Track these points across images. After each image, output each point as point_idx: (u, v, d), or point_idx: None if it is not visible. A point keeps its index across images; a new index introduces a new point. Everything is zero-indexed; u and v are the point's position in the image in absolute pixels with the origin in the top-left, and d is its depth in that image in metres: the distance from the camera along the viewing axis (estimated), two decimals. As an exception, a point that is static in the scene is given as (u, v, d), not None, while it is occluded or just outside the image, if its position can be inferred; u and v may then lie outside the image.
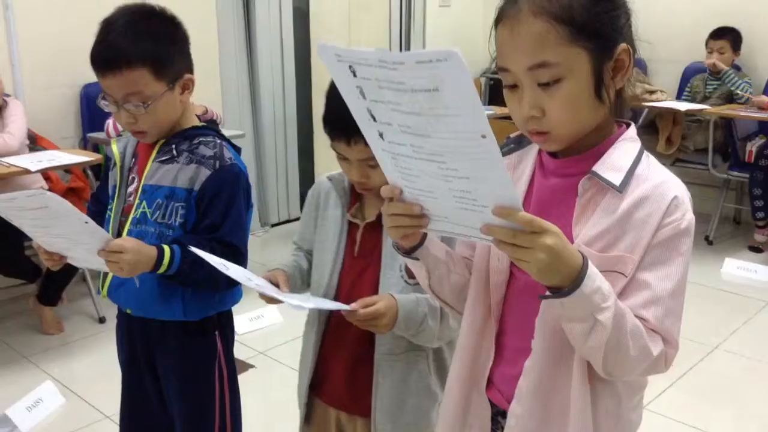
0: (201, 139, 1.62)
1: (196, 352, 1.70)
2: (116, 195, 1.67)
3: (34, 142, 3.44)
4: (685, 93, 4.86)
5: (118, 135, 3.54)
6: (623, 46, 1.00)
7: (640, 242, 0.99)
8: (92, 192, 3.73)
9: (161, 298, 1.60)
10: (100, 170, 3.79)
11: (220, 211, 1.57)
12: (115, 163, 1.69)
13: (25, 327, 3.44)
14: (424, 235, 1.08)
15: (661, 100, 4.67)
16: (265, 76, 4.72)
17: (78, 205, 3.47)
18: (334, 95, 1.38)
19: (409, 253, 1.10)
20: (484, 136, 0.79)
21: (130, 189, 1.65)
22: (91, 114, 3.83)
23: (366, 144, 1.32)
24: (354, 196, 1.51)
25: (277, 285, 1.45)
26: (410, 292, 1.40)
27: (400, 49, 5.30)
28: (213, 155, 1.60)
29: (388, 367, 1.46)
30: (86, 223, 1.39)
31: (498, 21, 1.02)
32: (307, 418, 1.59)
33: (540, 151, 1.13)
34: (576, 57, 0.97)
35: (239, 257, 1.57)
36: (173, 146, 1.61)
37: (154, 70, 1.51)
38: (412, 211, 0.97)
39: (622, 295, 0.99)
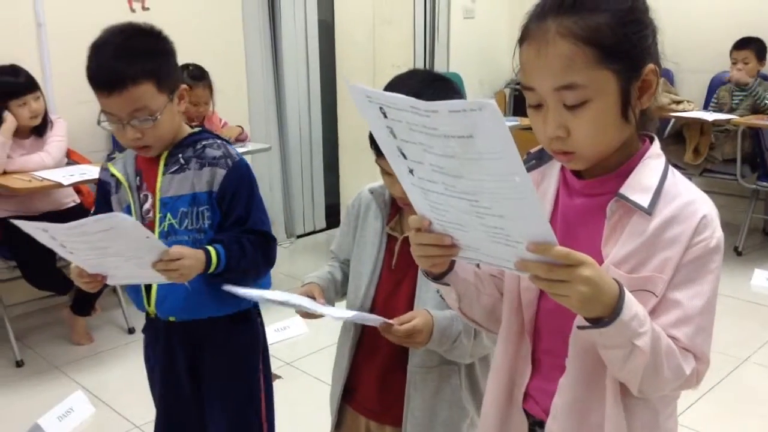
0: (204, 142, 1.67)
1: (241, 341, 1.77)
2: (133, 214, 1.67)
3: (67, 156, 3.50)
4: (712, 103, 4.82)
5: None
6: (650, 66, 1.00)
7: (670, 262, 0.99)
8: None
9: (212, 296, 1.64)
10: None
11: (243, 204, 1.64)
12: (118, 185, 1.70)
13: (56, 337, 3.50)
14: (453, 261, 1.08)
15: (688, 110, 4.64)
16: (291, 90, 4.77)
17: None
18: None
19: (438, 278, 1.09)
20: (518, 178, 0.79)
21: (146, 206, 1.67)
22: (121, 128, 3.89)
23: None
24: (394, 209, 1.53)
25: (312, 298, 1.48)
26: (446, 307, 1.40)
27: (424, 62, 5.33)
28: (222, 155, 1.65)
29: (421, 380, 1.47)
30: (147, 237, 1.43)
31: (523, 39, 1.01)
32: (338, 424, 1.61)
33: (563, 168, 1.12)
34: (603, 79, 0.96)
35: (271, 241, 1.68)
36: (179, 156, 1.65)
37: (156, 83, 1.55)
38: (443, 241, 0.96)
39: (652, 314, 0.99)
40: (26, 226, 1.43)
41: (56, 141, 3.36)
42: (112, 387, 3.02)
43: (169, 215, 1.64)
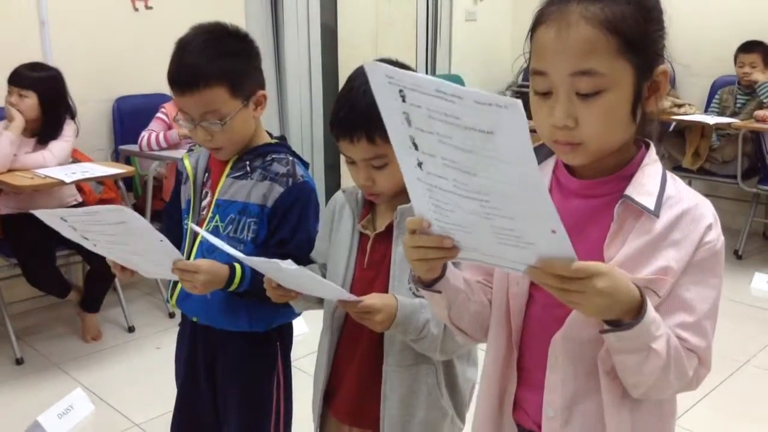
0: (274, 156, 1.65)
1: (257, 360, 1.73)
2: (191, 209, 1.70)
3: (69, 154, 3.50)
4: (713, 105, 4.82)
5: (152, 150, 3.61)
6: (662, 67, 0.99)
7: (677, 263, 0.98)
8: (133, 203, 3.80)
9: (228, 310, 1.63)
10: (131, 182, 3.86)
11: (290, 226, 1.61)
12: (187, 178, 1.72)
13: (56, 335, 3.50)
14: (445, 266, 1.05)
15: (690, 114, 4.64)
16: (293, 92, 4.77)
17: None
18: (341, 96, 1.41)
19: (429, 285, 1.06)
20: (534, 188, 0.76)
21: (204, 203, 1.69)
22: (123, 127, 3.91)
23: (369, 142, 1.34)
24: (366, 208, 1.50)
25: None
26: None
27: (426, 65, 5.35)
28: (286, 172, 1.63)
29: (396, 380, 1.44)
30: (161, 241, 1.43)
31: (539, 23, 0.99)
32: (321, 431, 1.59)
33: (555, 170, 1.11)
34: (621, 70, 0.95)
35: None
36: (247, 162, 1.64)
37: (230, 88, 1.54)
38: (443, 244, 0.92)
39: (658, 313, 0.98)
40: (45, 215, 1.42)
41: (62, 144, 3.32)
42: (112, 385, 3.02)
43: (218, 217, 1.64)
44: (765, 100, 4.47)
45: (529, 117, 1.01)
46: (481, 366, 1.23)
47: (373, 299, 1.33)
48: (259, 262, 1.34)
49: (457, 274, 1.10)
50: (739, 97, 4.70)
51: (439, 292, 1.07)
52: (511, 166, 0.76)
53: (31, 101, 3.23)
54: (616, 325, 0.91)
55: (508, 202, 0.80)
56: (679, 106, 4.68)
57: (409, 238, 0.95)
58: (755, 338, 3.39)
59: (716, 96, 4.83)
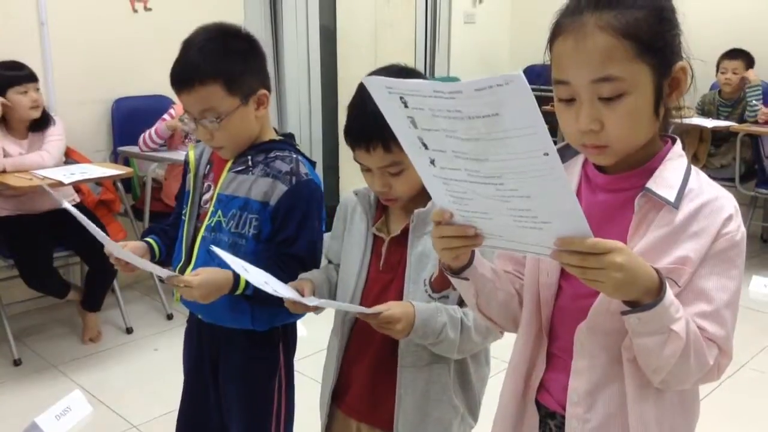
0: (277, 153, 1.65)
1: (259, 361, 1.73)
2: (190, 201, 1.71)
3: (67, 156, 3.50)
4: (697, 105, 4.82)
5: (150, 150, 3.61)
6: (681, 64, 1.03)
7: (696, 254, 1.01)
8: (131, 204, 3.81)
9: (231, 308, 1.63)
10: (130, 183, 3.86)
11: (294, 226, 1.61)
12: (189, 170, 1.74)
13: (54, 336, 3.50)
14: (472, 255, 1.09)
15: (688, 117, 4.64)
16: (292, 93, 4.78)
17: (107, 216, 3.53)
18: (354, 107, 1.41)
19: (457, 273, 1.11)
20: (546, 154, 0.78)
21: (206, 196, 1.70)
22: (122, 128, 3.91)
23: (385, 150, 1.36)
24: (379, 210, 1.52)
25: (301, 294, 1.46)
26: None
27: (425, 67, 5.34)
28: (289, 171, 1.63)
29: (411, 381, 1.45)
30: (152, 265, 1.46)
31: (556, 35, 1.03)
32: (328, 427, 1.60)
33: (584, 165, 1.14)
34: (640, 73, 0.98)
35: (310, 269, 1.63)
36: (249, 157, 1.65)
37: (226, 85, 1.55)
38: (466, 232, 0.97)
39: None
40: None
41: (55, 140, 3.35)
42: (110, 386, 3.02)
43: (220, 212, 1.65)
44: (754, 101, 4.46)
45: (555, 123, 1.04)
46: (494, 355, 1.21)
47: (392, 310, 1.34)
48: (282, 290, 1.36)
49: (484, 263, 1.14)
50: (721, 109, 4.71)
51: (467, 279, 1.11)
52: (522, 139, 0.78)
53: (41, 94, 3.28)
54: (636, 306, 0.94)
55: (523, 180, 0.83)
56: (678, 109, 4.68)
57: (435, 229, 1.00)
58: (753, 340, 3.41)
59: (699, 99, 4.83)
